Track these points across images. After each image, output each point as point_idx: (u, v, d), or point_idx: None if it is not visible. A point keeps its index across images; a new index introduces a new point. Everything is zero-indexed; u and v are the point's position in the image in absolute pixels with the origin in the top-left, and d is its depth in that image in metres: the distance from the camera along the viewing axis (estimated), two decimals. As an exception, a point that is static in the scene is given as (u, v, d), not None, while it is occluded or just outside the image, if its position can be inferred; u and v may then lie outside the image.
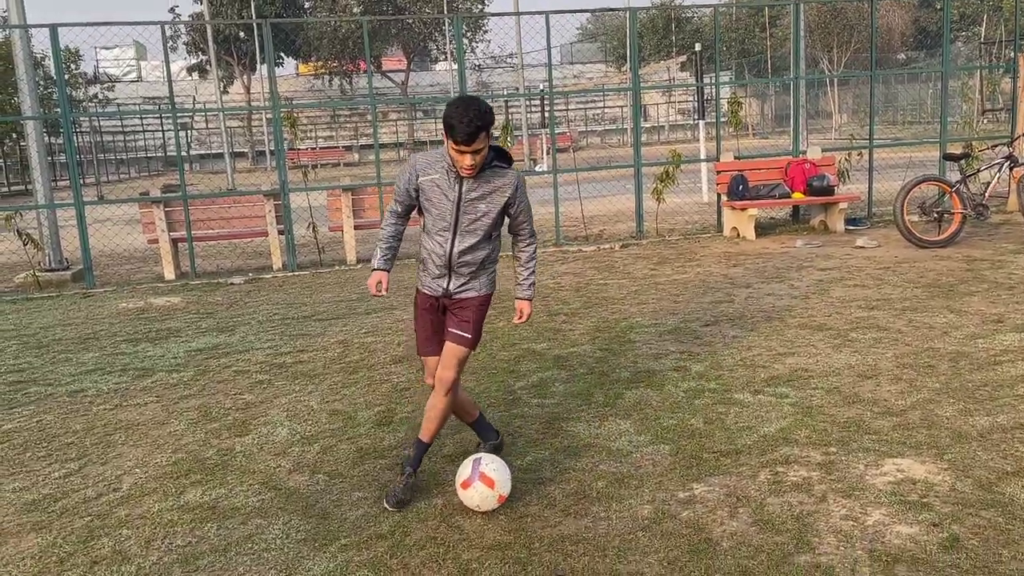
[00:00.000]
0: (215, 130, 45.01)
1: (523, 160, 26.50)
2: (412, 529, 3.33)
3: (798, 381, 4.77)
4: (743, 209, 10.22)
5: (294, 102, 41.08)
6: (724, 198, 10.64)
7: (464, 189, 3.45)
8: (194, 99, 45.83)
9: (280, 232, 10.14)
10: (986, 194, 9.08)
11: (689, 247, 9.93)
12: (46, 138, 15.96)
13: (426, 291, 3.65)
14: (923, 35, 45.90)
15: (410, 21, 45.47)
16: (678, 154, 10.78)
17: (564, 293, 7.65)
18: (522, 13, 13.34)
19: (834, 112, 38.92)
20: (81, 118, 36.36)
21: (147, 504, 3.70)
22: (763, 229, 10.64)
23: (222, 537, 3.36)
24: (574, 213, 12.61)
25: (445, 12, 40.91)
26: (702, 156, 14.19)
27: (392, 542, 3.24)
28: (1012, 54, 12.12)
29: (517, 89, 35.91)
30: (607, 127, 48.16)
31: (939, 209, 8.87)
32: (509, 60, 52.33)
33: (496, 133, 10.60)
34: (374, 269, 3.65)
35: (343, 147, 44.48)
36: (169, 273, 9.91)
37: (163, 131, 44.06)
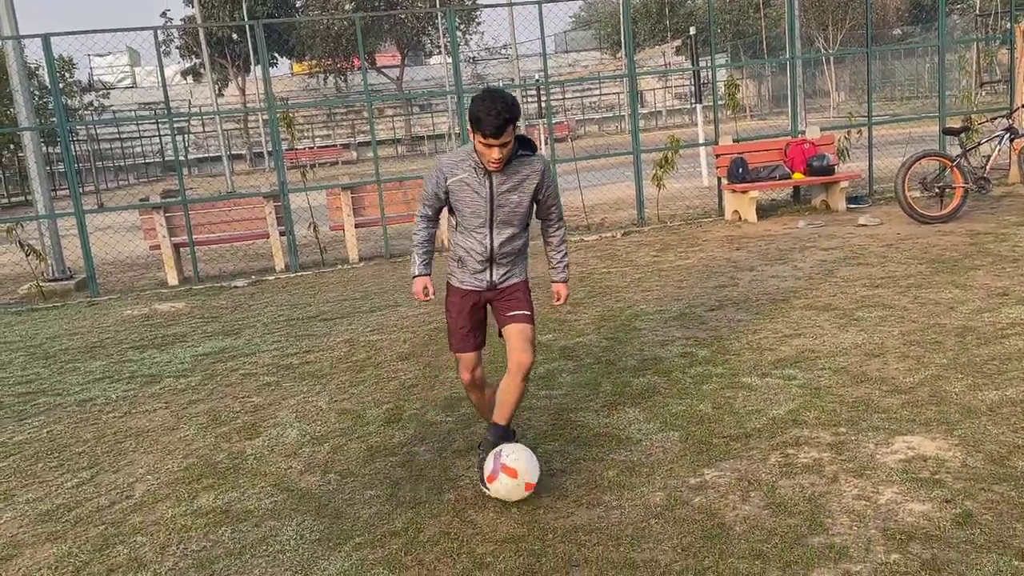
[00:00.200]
0: (212, 133, 45.00)
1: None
2: (425, 525, 3.34)
3: (805, 362, 4.76)
4: (744, 192, 10.19)
5: (290, 102, 41.01)
6: (724, 181, 10.62)
7: (495, 183, 3.45)
8: (189, 103, 45.81)
9: (281, 233, 10.15)
10: (987, 167, 9.04)
11: (691, 232, 9.91)
12: (44, 148, 15.97)
13: (466, 287, 3.64)
14: (918, 9, 45.61)
15: (403, 16, 45.31)
16: (676, 139, 10.76)
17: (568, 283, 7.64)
18: (515, 3, 13.28)
19: (832, 91, 38.76)
20: (78, 127, 36.35)
21: (160, 510, 3.71)
22: (764, 211, 10.61)
23: (236, 540, 3.37)
24: (574, 202, 12.59)
25: (438, 6, 40.76)
26: (701, 140, 14.15)
27: (406, 539, 3.25)
28: (1008, 25, 12.05)
29: (513, 80, 35.83)
30: (604, 115, 48.03)
31: (940, 184, 8.84)
32: (503, 51, 52.20)
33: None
34: (415, 276, 3.68)
35: (340, 145, 44.45)
36: (172, 278, 9.93)
37: (160, 136, 44.07)
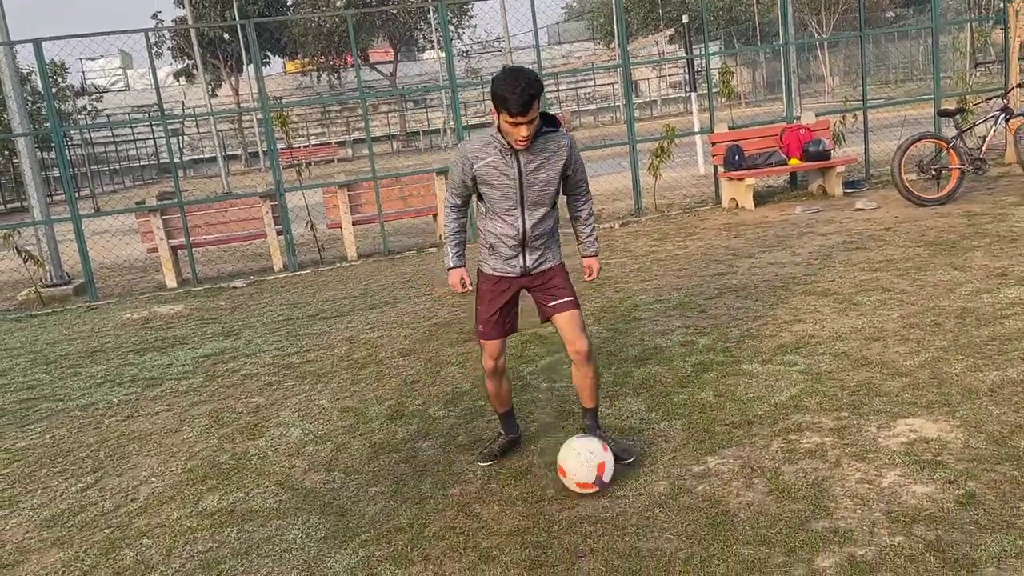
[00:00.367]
0: (206, 134, 44.90)
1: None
2: (431, 520, 3.34)
3: (806, 348, 4.76)
4: (740, 179, 10.18)
5: (283, 100, 40.90)
6: (721, 169, 10.60)
7: (523, 163, 3.42)
8: (183, 104, 45.67)
9: (279, 233, 10.14)
10: (983, 148, 9.03)
11: (689, 221, 9.90)
12: (38, 153, 15.92)
13: (499, 274, 3.61)
14: (910, -9, 45.49)
15: (394, 11, 45.18)
16: (672, 128, 10.74)
17: (566, 275, 7.64)
18: (506, -4, 13.21)
19: (826, 75, 38.66)
20: (72, 131, 36.27)
21: (166, 512, 3.72)
22: (762, 198, 10.61)
23: (242, 540, 3.38)
24: (571, 194, 12.56)
25: (429, 0, 40.66)
26: (696, 128, 14.13)
27: (412, 534, 3.25)
28: (1001, 5, 12.02)
29: (506, 73, 35.70)
30: (599, 105, 47.93)
31: (937, 166, 8.83)
32: (496, 44, 52.05)
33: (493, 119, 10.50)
34: (451, 268, 3.66)
35: (336, 143, 44.34)
36: (171, 281, 9.92)
37: (155, 139, 43.96)
